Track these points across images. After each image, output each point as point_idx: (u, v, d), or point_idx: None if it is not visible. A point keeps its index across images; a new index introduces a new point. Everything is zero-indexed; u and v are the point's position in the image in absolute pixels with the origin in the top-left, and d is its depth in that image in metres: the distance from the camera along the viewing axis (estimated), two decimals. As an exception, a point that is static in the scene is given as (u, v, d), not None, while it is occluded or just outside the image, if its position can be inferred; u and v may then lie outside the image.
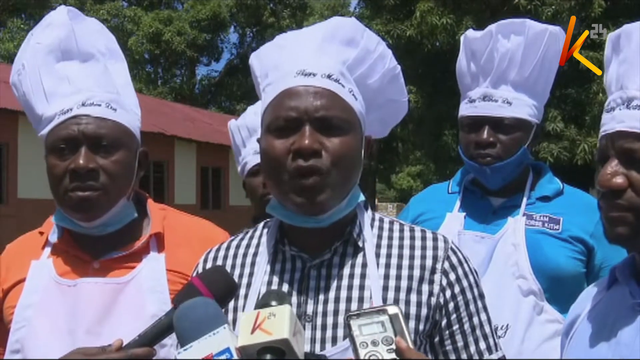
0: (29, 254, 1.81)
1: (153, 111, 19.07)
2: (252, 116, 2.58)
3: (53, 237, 1.81)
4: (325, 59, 1.47)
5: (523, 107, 2.29)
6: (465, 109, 2.37)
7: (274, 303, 1.26)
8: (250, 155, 2.58)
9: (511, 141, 2.28)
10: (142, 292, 1.72)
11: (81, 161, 1.69)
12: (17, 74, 1.80)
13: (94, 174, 1.70)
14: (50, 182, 1.75)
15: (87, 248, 1.78)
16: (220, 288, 1.37)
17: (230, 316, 1.46)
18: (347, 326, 1.24)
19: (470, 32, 2.42)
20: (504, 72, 2.31)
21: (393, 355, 1.20)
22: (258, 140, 1.53)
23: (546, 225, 2.27)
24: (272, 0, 34.01)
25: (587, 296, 1.52)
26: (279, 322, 1.20)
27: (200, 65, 35.78)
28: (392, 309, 1.25)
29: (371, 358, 1.20)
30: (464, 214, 2.37)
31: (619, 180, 1.29)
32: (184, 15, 32.26)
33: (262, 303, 1.28)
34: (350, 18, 1.57)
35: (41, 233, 1.85)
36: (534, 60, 2.30)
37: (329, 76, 1.44)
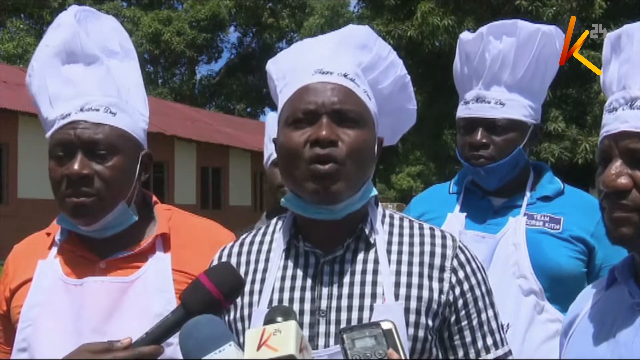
0: (36, 254, 1.82)
1: (153, 111, 18.93)
2: None
3: (60, 238, 1.81)
4: (341, 60, 1.53)
5: (517, 107, 2.30)
6: (460, 111, 2.40)
7: (279, 319, 1.27)
8: None
9: (505, 142, 2.29)
10: (147, 292, 1.72)
11: (75, 167, 1.69)
12: (28, 75, 1.81)
13: (87, 180, 1.70)
14: (52, 186, 1.76)
15: (93, 248, 1.78)
16: (227, 284, 1.38)
17: (245, 311, 1.50)
18: (340, 339, 1.24)
19: (464, 35, 2.44)
20: (497, 73, 2.31)
21: None
22: (274, 140, 1.56)
23: (547, 225, 2.28)
24: (271, 0, 34.02)
25: (586, 296, 1.52)
26: (285, 338, 1.21)
27: (200, 65, 35.84)
28: (386, 325, 1.26)
29: None
30: (465, 213, 2.37)
31: (624, 180, 1.28)
32: (184, 15, 32.30)
33: (267, 319, 1.29)
34: (364, 26, 1.63)
35: (48, 234, 1.85)
36: (527, 60, 2.30)
37: (345, 75, 1.50)
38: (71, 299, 1.72)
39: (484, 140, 2.29)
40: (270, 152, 2.78)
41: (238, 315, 1.50)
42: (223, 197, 21.47)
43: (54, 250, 1.80)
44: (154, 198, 1.94)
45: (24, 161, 14.14)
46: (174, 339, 1.43)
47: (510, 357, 1.54)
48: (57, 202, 1.75)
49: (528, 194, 2.34)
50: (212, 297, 1.36)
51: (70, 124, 1.71)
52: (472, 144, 2.31)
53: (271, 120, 2.77)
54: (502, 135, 2.29)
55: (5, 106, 12.11)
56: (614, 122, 1.32)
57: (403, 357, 1.22)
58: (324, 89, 1.47)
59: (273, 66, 1.64)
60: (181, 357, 1.29)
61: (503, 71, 2.30)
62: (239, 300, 1.50)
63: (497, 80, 2.31)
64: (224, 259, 1.59)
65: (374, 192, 1.54)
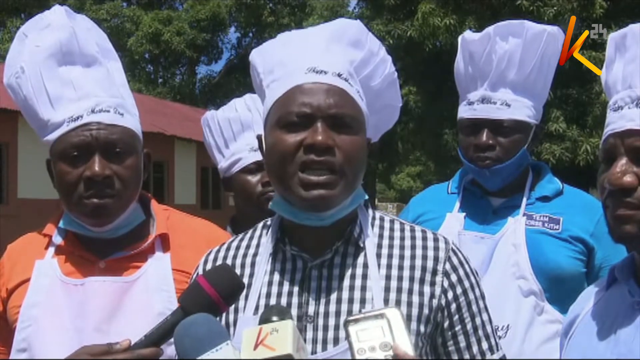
0: (32, 253, 1.81)
1: (153, 111, 19.06)
2: (246, 111, 2.54)
3: (57, 238, 1.81)
4: (335, 58, 1.46)
5: (522, 108, 2.29)
6: (464, 112, 2.37)
7: (275, 318, 1.26)
8: (245, 152, 2.53)
9: (510, 143, 2.28)
10: (149, 291, 1.73)
11: (97, 168, 1.69)
12: (14, 76, 1.77)
13: (109, 180, 1.71)
14: (61, 189, 1.75)
15: (92, 249, 1.79)
16: (226, 287, 1.37)
17: (231, 317, 1.46)
18: (345, 332, 1.22)
19: (468, 34, 2.42)
20: (503, 74, 2.30)
21: None
22: (258, 138, 1.52)
23: (546, 225, 2.27)
24: (271, 0, 34.02)
25: (587, 296, 1.52)
26: (282, 338, 1.20)
27: (200, 65, 35.84)
28: (390, 313, 1.23)
29: None
30: (464, 214, 2.37)
31: (630, 178, 1.28)
32: (184, 15, 32.28)
33: (263, 318, 1.28)
34: (355, 20, 1.57)
35: (44, 235, 1.85)
36: (532, 61, 2.29)
37: (339, 75, 1.44)
38: (71, 299, 1.72)
39: (490, 142, 2.28)
40: (234, 156, 2.51)
41: (224, 321, 1.47)
42: (223, 197, 21.44)
43: (51, 250, 1.80)
44: (151, 198, 1.94)
45: (24, 161, 14.12)
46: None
47: None
48: (70, 205, 1.75)
49: (527, 194, 2.34)
50: (211, 300, 1.34)
51: (84, 125, 1.71)
52: (477, 145, 2.30)
53: (223, 120, 2.54)
54: (508, 137, 2.28)
55: (5, 106, 12.07)
56: (619, 121, 1.32)
57: (411, 347, 1.19)
58: (319, 90, 1.40)
59: (258, 57, 1.55)
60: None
61: (509, 72, 2.30)
62: None
63: (503, 81, 2.30)
64: (209, 264, 1.56)
65: (365, 196, 1.50)
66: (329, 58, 1.46)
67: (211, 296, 1.35)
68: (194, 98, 33.80)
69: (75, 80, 1.75)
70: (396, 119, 1.68)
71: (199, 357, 1.22)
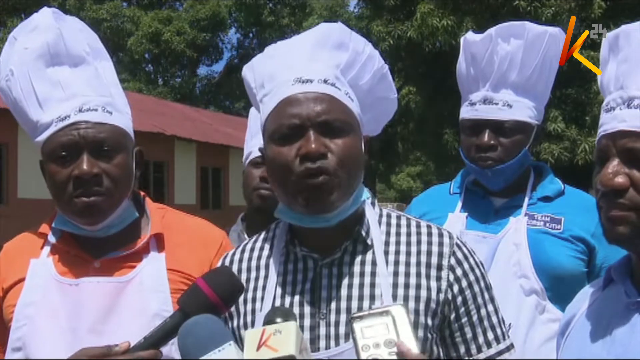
0: (28, 253, 1.81)
1: (153, 111, 19.06)
2: None
3: (52, 237, 1.81)
4: (320, 65, 1.50)
5: (523, 109, 2.30)
6: (466, 112, 2.38)
7: (279, 320, 1.27)
8: (257, 147, 2.59)
9: (512, 144, 2.29)
10: (143, 291, 1.72)
11: (85, 167, 1.69)
12: (4, 79, 1.78)
13: (98, 179, 1.71)
14: (52, 189, 1.75)
15: (87, 248, 1.78)
16: (225, 289, 1.38)
17: (249, 318, 1.50)
18: (350, 329, 1.24)
19: (470, 35, 2.43)
20: (504, 75, 2.31)
21: (394, 357, 1.20)
22: (260, 150, 1.57)
23: (548, 225, 2.28)
24: (271, 0, 34.03)
25: (583, 296, 1.53)
26: (285, 339, 1.21)
27: (201, 65, 35.84)
28: (395, 310, 1.25)
29: None
30: (466, 214, 2.38)
31: (621, 179, 1.29)
32: (184, 15, 32.30)
33: (267, 320, 1.29)
34: (337, 23, 1.61)
35: (40, 233, 1.85)
36: (534, 62, 2.30)
37: (325, 81, 1.48)
38: (66, 299, 1.72)
39: (492, 142, 2.29)
40: (250, 149, 2.64)
41: (241, 322, 1.51)
42: (223, 197, 21.47)
43: (47, 249, 1.80)
44: (146, 197, 1.94)
45: (24, 161, 14.13)
46: (174, 339, 1.43)
47: (512, 350, 1.56)
48: (61, 204, 1.75)
49: (529, 194, 2.34)
50: (210, 302, 1.36)
51: (72, 125, 1.71)
52: (479, 146, 2.31)
53: (254, 116, 2.64)
54: (509, 137, 2.29)
55: (6, 106, 12.11)
56: (611, 121, 1.33)
57: (415, 344, 1.22)
58: (306, 99, 1.45)
59: (249, 73, 1.63)
60: (178, 357, 1.29)
61: (511, 73, 2.31)
62: (241, 307, 1.50)
63: (505, 82, 2.31)
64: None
65: (366, 195, 1.54)
66: (313, 66, 1.50)
67: (210, 298, 1.36)
68: (194, 98, 33.80)
69: (63, 80, 1.75)
70: (395, 109, 1.72)
71: (202, 357, 1.23)
